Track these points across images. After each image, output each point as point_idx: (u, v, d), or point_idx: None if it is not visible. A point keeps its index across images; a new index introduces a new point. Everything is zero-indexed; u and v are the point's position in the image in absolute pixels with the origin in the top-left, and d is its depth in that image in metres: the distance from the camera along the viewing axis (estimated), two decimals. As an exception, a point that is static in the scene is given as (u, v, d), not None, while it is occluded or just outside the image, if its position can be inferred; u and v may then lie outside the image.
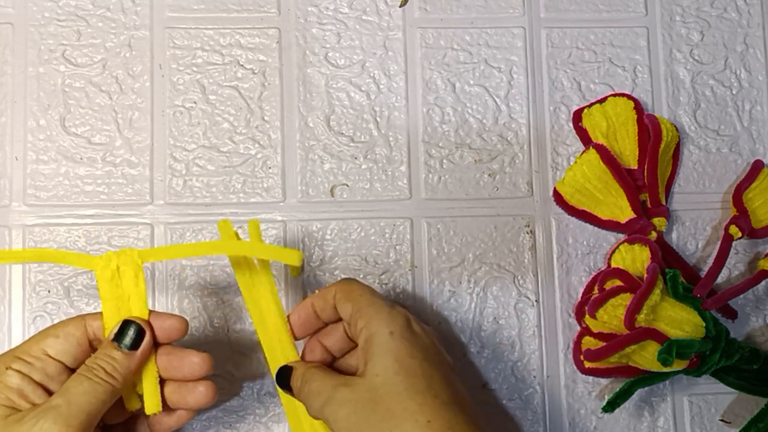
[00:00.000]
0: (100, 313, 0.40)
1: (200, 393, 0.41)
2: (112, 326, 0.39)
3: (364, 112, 0.51)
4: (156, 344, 0.40)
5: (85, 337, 0.40)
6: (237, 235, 0.44)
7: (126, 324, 0.39)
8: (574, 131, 0.52)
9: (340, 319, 0.43)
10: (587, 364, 0.48)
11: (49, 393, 0.38)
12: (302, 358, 0.44)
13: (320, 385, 0.40)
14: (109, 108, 0.50)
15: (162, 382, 0.41)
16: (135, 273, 0.40)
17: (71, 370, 0.39)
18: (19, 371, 0.38)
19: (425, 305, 0.50)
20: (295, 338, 0.44)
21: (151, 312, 0.40)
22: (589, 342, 0.48)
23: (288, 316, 0.44)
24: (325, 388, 0.39)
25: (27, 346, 0.39)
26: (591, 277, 0.50)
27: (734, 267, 0.52)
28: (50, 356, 0.39)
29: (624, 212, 0.50)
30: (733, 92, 0.53)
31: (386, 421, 0.37)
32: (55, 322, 0.47)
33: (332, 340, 0.44)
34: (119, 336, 0.39)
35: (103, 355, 0.38)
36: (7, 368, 0.38)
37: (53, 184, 0.49)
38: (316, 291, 0.44)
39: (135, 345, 0.39)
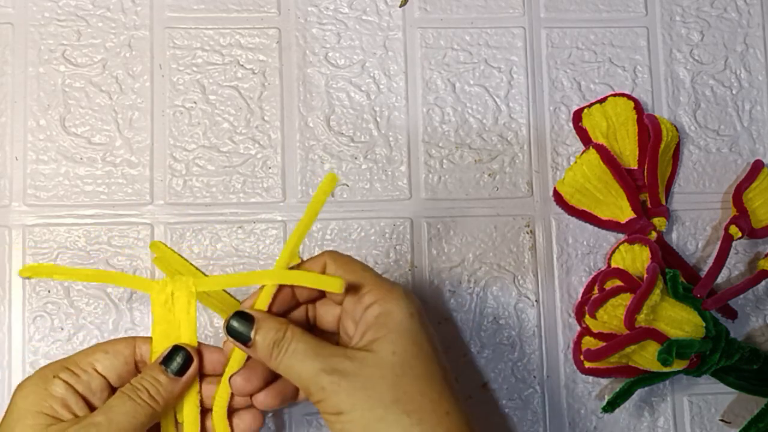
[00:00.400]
0: (150, 338, 0.41)
1: (248, 420, 0.40)
2: (159, 350, 0.40)
3: (364, 112, 0.51)
4: (201, 374, 0.41)
5: (132, 358, 0.40)
6: (173, 251, 0.47)
7: (175, 349, 0.39)
8: (574, 131, 0.52)
9: (318, 298, 0.41)
10: (587, 364, 0.48)
11: (91, 406, 0.38)
12: (269, 310, 0.40)
13: (311, 347, 0.37)
14: (109, 108, 0.50)
15: (203, 411, 0.41)
16: (188, 300, 0.40)
17: (113, 388, 0.40)
18: (65, 381, 0.38)
19: (425, 305, 0.50)
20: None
21: (199, 343, 0.41)
22: (589, 342, 0.48)
23: (249, 299, 0.40)
24: (319, 353, 0.36)
25: (77, 358, 0.39)
26: (591, 277, 0.50)
27: (734, 267, 0.52)
28: (97, 371, 0.39)
29: (624, 212, 0.50)
30: (733, 92, 0.53)
31: (403, 404, 0.35)
32: (58, 322, 0.48)
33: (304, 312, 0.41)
34: (167, 360, 0.39)
35: (149, 377, 0.38)
36: (54, 377, 0.38)
37: (53, 184, 0.49)
38: (295, 265, 0.40)
39: (181, 371, 0.39)
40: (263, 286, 0.40)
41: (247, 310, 0.38)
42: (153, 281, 0.41)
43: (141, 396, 0.37)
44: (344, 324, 0.40)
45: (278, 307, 0.40)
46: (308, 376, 0.36)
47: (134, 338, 0.41)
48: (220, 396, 0.40)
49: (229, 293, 0.47)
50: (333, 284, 0.37)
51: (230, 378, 0.39)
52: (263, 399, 0.40)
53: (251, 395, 0.40)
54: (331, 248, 0.50)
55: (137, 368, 0.40)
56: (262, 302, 0.39)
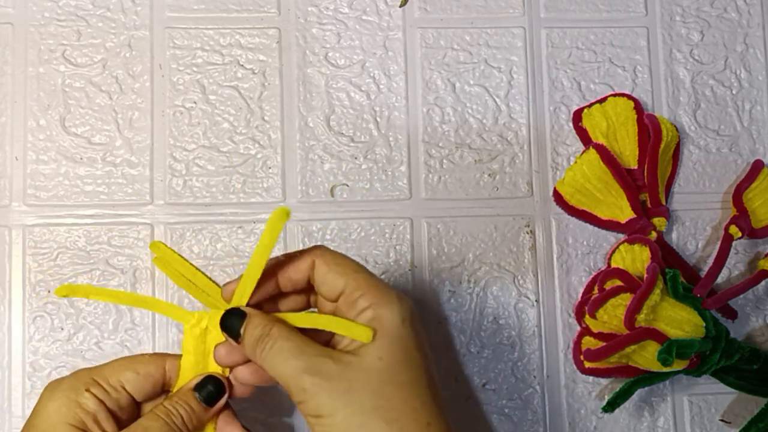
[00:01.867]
0: (178, 355, 0.40)
1: None
2: (188, 377, 0.40)
3: (364, 112, 0.51)
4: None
5: (161, 380, 0.40)
6: (173, 251, 0.46)
7: (208, 378, 0.39)
8: (574, 131, 0.52)
9: (302, 291, 0.40)
10: (587, 364, 0.48)
11: (118, 421, 0.38)
12: (258, 304, 0.39)
13: (296, 346, 0.36)
14: (109, 108, 0.50)
15: None
16: (221, 335, 0.39)
17: (138, 403, 0.40)
18: (96, 397, 0.38)
19: (425, 305, 0.50)
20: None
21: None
22: (589, 342, 0.48)
23: (231, 283, 0.40)
24: (304, 352, 0.36)
25: (107, 373, 0.39)
26: (591, 277, 0.50)
27: (734, 267, 0.52)
28: (126, 390, 0.39)
29: (624, 212, 0.50)
30: (733, 92, 0.53)
31: (385, 411, 0.34)
32: (58, 322, 0.47)
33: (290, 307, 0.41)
34: (199, 388, 0.39)
35: (184, 404, 0.38)
36: (86, 390, 0.38)
37: (53, 184, 0.49)
38: (281, 257, 0.39)
39: (212, 400, 0.39)
40: (241, 275, 0.39)
41: (241, 307, 0.38)
42: (188, 313, 0.40)
43: (175, 421, 0.37)
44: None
45: (261, 296, 0.39)
46: (290, 375, 0.35)
47: (164, 358, 0.40)
48: None
49: (210, 278, 0.47)
50: (362, 334, 0.36)
51: (215, 347, 0.39)
52: (242, 374, 0.39)
53: (231, 368, 0.40)
54: (331, 248, 0.50)
55: (163, 388, 0.40)
56: (242, 290, 0.38)
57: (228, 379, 0.40)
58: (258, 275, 0.38)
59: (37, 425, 0.37)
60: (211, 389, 0.39)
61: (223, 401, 0.39)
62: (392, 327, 0.36)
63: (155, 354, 0.41)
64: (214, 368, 0.40)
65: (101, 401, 0.38)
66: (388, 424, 0.34)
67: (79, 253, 0.48)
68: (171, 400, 0.38)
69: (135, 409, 0.40)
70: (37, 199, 0.49)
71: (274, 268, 0.39)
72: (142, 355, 0.40)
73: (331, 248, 0.39)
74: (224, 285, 0.39)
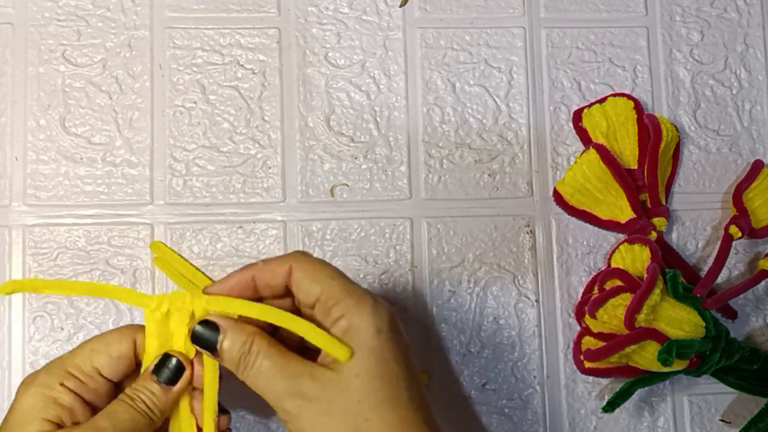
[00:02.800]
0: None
1: None
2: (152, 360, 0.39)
3: (364, 112, 0.51)
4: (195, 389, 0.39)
5: (133, 356, 0.39)
6: (173, 251, 0.45)
7: (166, 357, 0.38)
8: (574, 131, 0.52)
9: (283, 296, 0.39)
10: (587, 364, 0.48)
11: (95, 410, 0.38)
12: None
13: (275, 365, 0.36)
14: (109, 108, 0.50)
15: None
16: (185, 317, 0.39)
17: (117, 384, 0.39)
18: (72, 390, 0.37)
19: (425, 305, 0.50)
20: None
21: (196, 354, 0.39)
22: (589, 342, 0.48)
23: (210, 287, 0.39)
24: (284, 371, 0.35)
25: (80, 361, 0.38)
26: (591, 277, 0.50)
27: (734, 267, 0.52)
28: (102, 375, 0.38)
29: (624, 212, 0.50)
30: (733, 92, 0.53)
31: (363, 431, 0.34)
32: (58, 322, 0.47)
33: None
34: (158, 369, 0.38)
35: (143, 388, 0.38)
36: (60, 384, 0.37)
37: (53, 184, 0.49)
38: (259, 262, 0.38)
39: (173, 380, 0.38)
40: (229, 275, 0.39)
41: (213, 319, 0.37)
42: (147, 297, 0.39)
43: (139, 406, 0.37)
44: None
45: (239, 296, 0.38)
46: (273, 397, 0.35)
47: (133, 332, 0.39)
48: (207, 408, 0.39)
49: (210, 278, 0.47)
50: (340, 352, 0.35)
51: (202, 290, 0.38)
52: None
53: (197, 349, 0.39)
54: (330, 248, 0.50)
55: (136, 361, 0.39)
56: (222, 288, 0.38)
57: (189, 357, 0.39)
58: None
59: (12, 422, 0.36)
60: (169, 370, 0.38)
61: (185, 378, 0.38)
62: (367, 338, 0.35)
63: (123, 329, 0.39)
64: (182, 348, 0.39)
65: (77, 394, 0.37)
66: None
67: (79, 253, 0.48)
68: (132, 386, 0.38)
69: (113, 391, 0.39)
70: (37, 199, 0.49)
71: (251, 274, 0.38)
72: (111, 332, 0.39)
73: (313, 254, 0.39)
74: (202, 289, 0.39)
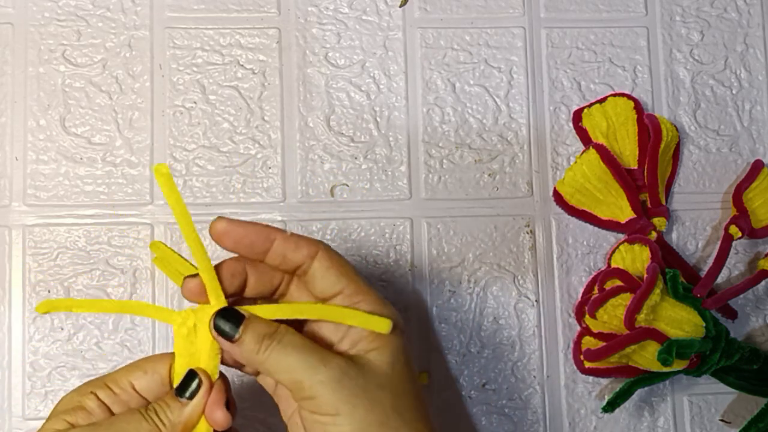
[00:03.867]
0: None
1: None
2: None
3: (364, 112, 0.51)
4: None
5: (168, 377, 0.39)
6: (173, 251, 0.45)
7: (191, 375, 0.37)
8: (574, 131, 0.52)
9: (290, 275, 0.38)
10: (587, 364, 0.48)
11: None
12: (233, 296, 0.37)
13: (306, 342, 0.35)
14: (109, 108, 0.50)
15: None
16: (210, 331, 0.38)
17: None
18: (101, 401, 0.37)
19: (425, 305, 0.50)
20: (218, 240, 0.37)
21: (221, 373, 0.39)
22: (589, 342, 0.48)
23: (229, 220, 0.37)
24: (315, 348, 0.35)
25: (117, 376, 0.38)
26: (591, 277, 0.50)
27: (734, 267, 0.52)
28: (135, 390, 0.38)
29: (624, 212, 0.50)
30: (733, 92, 0.53)
31: (403, 412, 0.34)
32: (58, 322, 0.47)
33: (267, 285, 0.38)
34: (182, 388, 0.37)
35: (165, 406, 0.37)
36: (91, 392, 0.37)
37: (53, 184, 0.49)
38: (287, 231, 0.37)
39: (193, 395, 0.37)
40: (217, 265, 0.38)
41: (238, 308, 0.36)
42: (175, 312, 0.38)
43: (150, 415, 0.36)
44: (321, 327, 0.38)
45: (246, 250, 0.37)
46: (305, 368, 0.34)
47: (170, 355, 0.39)
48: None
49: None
50: (381, 325, 0.35)
51: (183, 280, 0.37)
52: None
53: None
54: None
55: (170, 383, 0.39)
56: (212, 285, 0.37)
57: (212, 377, 0.38)
58: (209, 266, 0.37)
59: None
60: (194, 387, 0.37)
61: (203, 393, 0.37)
62: (396, 337, 0.36)
63: (163, 354, 0.40)
64: (209, 368, 0.39)
65: (103, 403, 0.37)
66: (406, 424, 0.34)
67: (79, 253, 0.48)
68: (157, 402, 0.37)
69: None
70: (37, 199, 0.49)
71: (274, 235, 0.37)
72: (155, 355, 0.40)
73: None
74: (185, 279, 0.37)
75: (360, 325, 0.36)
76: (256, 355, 0.36)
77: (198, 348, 0.39)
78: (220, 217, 0.37)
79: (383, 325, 0.35)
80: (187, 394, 0.37)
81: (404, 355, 0.36)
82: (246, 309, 0.37)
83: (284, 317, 0.37)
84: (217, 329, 0.37)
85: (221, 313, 0.37)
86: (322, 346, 0.37)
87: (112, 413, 0.38)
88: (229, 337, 0.36)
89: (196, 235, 0.38)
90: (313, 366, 0.34)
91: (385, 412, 0.34)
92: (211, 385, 0.38)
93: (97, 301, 0.40)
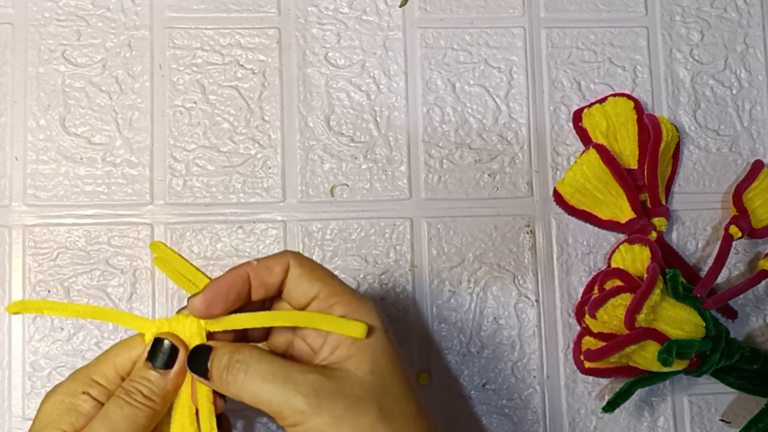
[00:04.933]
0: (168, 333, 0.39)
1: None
2: None
3: (364, 112, 0.51)
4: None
5: None
6: (173, 251, 0.45)
7: (157, 342, 0.37)
8: (574, 131, 0.52)
9: (274, 298, 0.38)
10: (587, 364, 0.48)
11: None
12: (208, 336, 0.37)
13: (276, 368, 0.34)
14: (109, 108, 0.50)
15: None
16: (189, 340, 0.38)
17: None
18: (95, 399, 0.36)
19: (425, 305, 0.50)
20: (209, 315, 0.37)
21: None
22: (589, 342, 0.48)
23: (201, 293, 0.37)
24: (288, 372, 0.34)
25: (104, 368, 0.37)
26: (591, 277, 0.50)
27: (734, 267, 0.52)
28: (125, 379, 0.37)
29: (624, 212, 0.50)
30: (733, 92, 0.53)
31: (389, 422, 0.34)
32: (58, 322, 0.47)
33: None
34: (152, 355, 0.37)
35: (139, 378, 0.37)
36: (83, 392, 0.36)
37: (53, 184, 0.49)
38: (253, 261, 0.37)
39: (169, 363, 0.37)
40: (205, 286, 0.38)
41: (206, 342, 0.36)
42: (149, 321, 0.38)
43: (136, 399, 0.36)
44: (306, 335, 0.38)
45: (233, 304, 0.37)
46: (281, 399, 0.33)
47: (153, 336, 0.38)
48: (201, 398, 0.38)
49: (210, 278, 0.47)
50: (356, 329, 0.35)
51: (189, 299, 0.37)
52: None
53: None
54: (330, 248, 0.50)
55: None
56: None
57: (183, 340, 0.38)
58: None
59: (33, 428, 0.36)
60: (164, 354, 0.37)
61: (181, 359, 0.37)
62: (376, 338, 0.35)
63: (141, 334, 0.39)
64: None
65: (100, 403, 0.36)
66: (395, 430, 0.34)
67: (79, 253, 0.48)
68: (128, 379, 0.37)
69: None
70: (37, 199, 0.49)
71: (246, 272, 0.37)
72: (132, 337, 0.39)
73: (306, 254, 0.38)
74: (191, 297, 0.37)
75: (334, 330, 0.35)
76: (227, 390, 0.35)
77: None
78: (190, 298, 0.37)
79: (358, 330, 0.35)
80: (159, 361, 0.37)
81: (387, 356, 0.35)
82: (213, 340, 0.37)
83: (258, 325, 0.37)
84: (193, 368, 0.36)
85: (192, 352, 0.36)
86: (302, 356, 0.37)
87: None
88: (204, 375, 0.36)
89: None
90: (291, 395, 0.33)
91: (371, 426, 0.33)
92: (186, 350, 0.37)
93: (71, 304, 0.39)
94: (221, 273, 0.48)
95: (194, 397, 0.38)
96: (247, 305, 0.38)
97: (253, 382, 0.34)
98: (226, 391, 0.35)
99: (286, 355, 0.39)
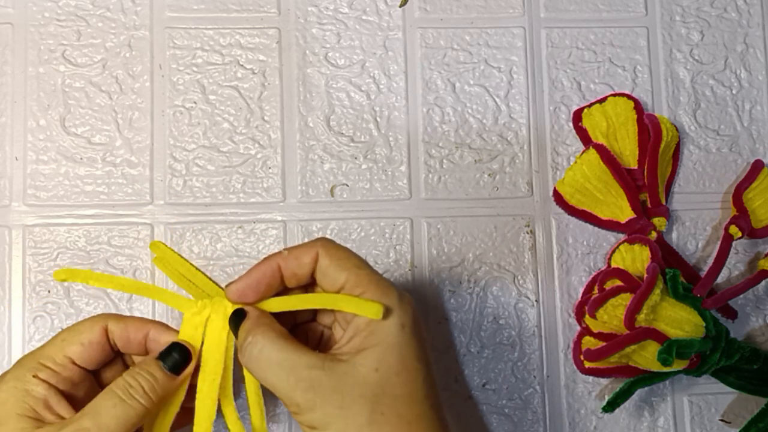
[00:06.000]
0: (120, 315, 0.40)
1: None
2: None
3: (364, 112, 0.51)
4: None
5: (107, 344, 0.39)
6: (173, 251, 0.46)
7: (173, 345, 0.38)
8: (574, 131, 0.52)
9: (307, 286, 0.39)
10: (587, 364, 0.48)
11: (73, 400, 0.37)
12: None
13: (284, 358, 0.35)
14: (109, 108, 0.50)
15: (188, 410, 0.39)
16: (223, 325, 0.39)
17: (92, 372, 0.39)
18: (45, 381, 0.36)
19: (425, 305, 0.50)
20: (243, 303, 0.39)
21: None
22: (589, 342, 0.48)
23: (235, 282, 0.38)
24: (294, 364, 0.35)
25: (52, 352, 0.37)
26: (591, 277, 0.50)
27: (734, 267, 0.52)
28: (75, 364, 0.38)
29: (624, 212, 0.50)
30: (733, 92, 0.53)
31: (378, 426, 0.34)
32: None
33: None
34: (164, 356, 0.38)
35: (145, 373, 0.37)
36: (33, 376, 0.36)
37: (53, 184, 0.49)
38: (284, 251, 0.38)
39: (178, 368, 0.38)
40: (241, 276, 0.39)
41: (245, 307, 0.38)
42: (191, 301, 0.39)
43: (134, 395, 0.36)
44: (338, 320, 0.39)
45: (266, 294, 0.38)
46: (283, 389, 0.34)
47: (104, 320, 0.39)
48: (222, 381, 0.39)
49: (210, 278, 0.47)
50: (371, 310, 0.35)
51: (226, 286, 0.38)
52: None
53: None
54: (335, 242, 0.50)
55: (113, 349, 0.39)
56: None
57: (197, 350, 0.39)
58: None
59: None
60: (177, 357, 0.37)
61: (189, 369, 0.38)
62: (390, 333, 0.35)
63: (93, 317, 0.39)
64: (214, 360, 0.39)
65: (51, 385, 0.36)
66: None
67: (79, 253, 0.48)
68: (132, 370, 0.37)
69: (91, 381, 0.39)
70: (37, 199, 0.49)
71: (277, 263, 0.38)
72: (81, 322, 0.39)
73: (337, 242, 0.39)
74: (228, 285, 0.38)
75: (351, 311, 0.36)
76: (244, 363, 0.36)
77: (206, 338, 0.39)
78: (228, 285, 0.38)
79: (374, 310, 0.35)
80: (170, 362, 0.37)
81: (398, 354, 0.35)
82: (250, 307, 0.38)
83: (280, 309, 0.38)
84: (231, 325, 0.38)
85: (234, 313, 0.38)
86: (331, 341, 0.38)
87: (62, 393, 0.37)
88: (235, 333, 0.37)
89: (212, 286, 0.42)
90: (290, 387, 0.34)
91: (359, 426, 0.34)
92: (197, 362, 0.38)
93: (115, 278, 0.40)
94: (221, 273, 0.49)
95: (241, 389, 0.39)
96: (287, 290, 0.39)
97: (260, 366, 0.35)
98: (244, 364, 0.36)
99: (323, 338, 0.40)
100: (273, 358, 0.35)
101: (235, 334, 0.38)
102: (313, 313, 0.41)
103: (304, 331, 0.41)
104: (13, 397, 0.36)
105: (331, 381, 0.34)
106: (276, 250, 0.37)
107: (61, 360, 0.37)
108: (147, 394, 0.36)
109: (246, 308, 0.38)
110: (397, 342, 0.35)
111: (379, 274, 0.37)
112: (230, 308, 0.39)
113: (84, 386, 0.38)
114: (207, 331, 0.39)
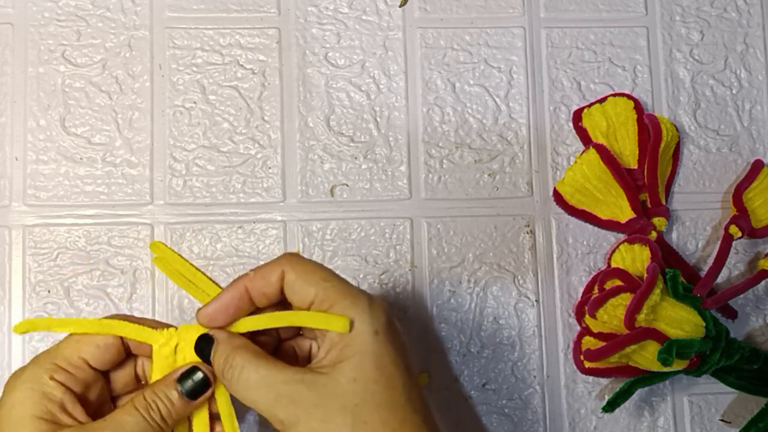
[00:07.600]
0: (133, 317, 0.40)
1: None
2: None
3: (364, 112, 0.51)
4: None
5: (120, 345, 0.39)
6: (173, 251, 0.46)
7: (193, 370, 0.38)
8: (574, 131, 0.52)
9: (279, 304, 0.39)
10: (587, 364, 0.48)
11: (85, 402, 0.37)
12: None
13: (263, 377, 0.35)
14: (109, 108, 0.50)
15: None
16: (192, 350, 0.39)
17: (103, 373, 0.39)
18: (62, 384, 0.36)
19: (425, 305, 0.50)
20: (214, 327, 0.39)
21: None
22: (589, 342, 0.48)
23: (205, 307, 0.38)
24: (274, 381, 0.35)
25: (67, 353, 0.38)
26: (591, 277, 0.50)
27: (734, 267, 0.52)
28: (89, 365, 0.38)
29: (624, 212, 0.50)
30: (733, 92, 0.53)
31: None
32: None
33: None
34: (183, 378, 0.38)
35: (164, 397, 0.37)
36: (50, 378, 0.36)
37: (53, 184, 0.49)
38: (250, 272, 0.38)
39: (195, 393, 0.38)
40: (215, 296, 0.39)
41: (209, 332, 0.38)
42: (157, 332, 0.39)
43: (154, 417, 0.36)
44: (316, 334, 0.39)
45: (237, 316, 0.38)
46: (264, 406, 0.35)
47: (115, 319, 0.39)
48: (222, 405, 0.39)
49: (210, 278, 0.47)
50: (337, 324, 0.35)
51: (198, 311, 0.38)
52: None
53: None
54: (330, 248, 0.50)
55: (126, 350, 0.39)
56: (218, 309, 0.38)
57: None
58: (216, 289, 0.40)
59: (3, 422, 0.35)
60: (193, 382, 0.37)
61: (207, 395, 0.38)
62: (363, 342, 0.35)
63: (103, 319, 0.39)
64: None
65: (67, 387, 0.36)
66: None
67: (79, 253, 0.48)
68: (151, 391, 0.37)
69: (102, 383, 0.39)
70: (37, 199, 0.49)
71: (244, 285, 0.38)
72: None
73: (304, 256, 0.39)
74: (198, 310, 0.38)
75: (318, 326, 0.36)
76: (227, 385, 0.36)
77: (178, 365, 0.39)
78: (198, 311, 0.38)
79: (341, 324, 0.35)
80: (187, 386, 0.37)
81: (375, 362, 0.35)
82: (217, 331, 0.38)
83: (250, 329, 0.38)
84: (198, 353, 0.38)
85: (200, 339, 0.38)
86: (309, 357, 0.39)
87: (75, 395, 0.37)
88: (206, 359, 0.37)
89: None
90: (271, 404, 0.34)
91: None
92: (214, 387, 0.39)
93: (77, 320, 0.40)
94: (221, 273, 0.49)
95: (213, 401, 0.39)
96: (260, 310, 0.39)
97: (241, 387, 0.35)
98: (228, 388, 0.37)
99: (311, 351, 0.40)
100: (252, 378, 0.35)
101: (202, 358, 0.38)
102: (298, 328, 0.41)
103: (291, 347, 0.41)
104: (30, 399, 0.36)
105: (312, 395, 0.34)
106: (281, 252, 0.38)
107: (76, 362, 0.38)
108: (164, 418, 0.37)
109: (213, 333, 0.38)
110: (372, 350, 0.35)
111: (348, 284, 0.37)
112: (195, 336, 0.38)
113: (96, 388, 0.39)
114: (177, 359, 0.39)
